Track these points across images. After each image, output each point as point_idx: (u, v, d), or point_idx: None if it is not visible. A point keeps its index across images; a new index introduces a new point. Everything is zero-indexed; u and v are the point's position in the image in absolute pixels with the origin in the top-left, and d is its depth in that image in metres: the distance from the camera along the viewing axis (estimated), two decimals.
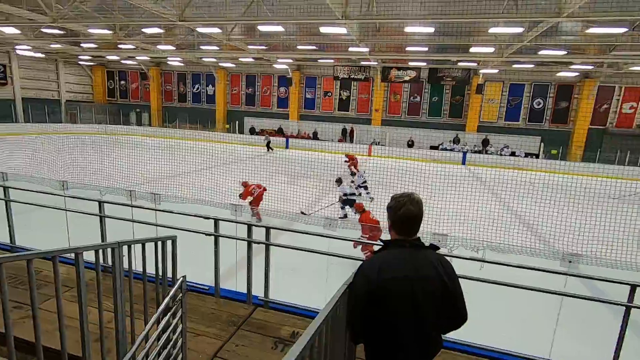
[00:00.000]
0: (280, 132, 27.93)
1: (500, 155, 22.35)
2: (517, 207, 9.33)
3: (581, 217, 6.75)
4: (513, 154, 22.61)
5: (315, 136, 26.94)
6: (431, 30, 13.74)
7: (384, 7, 12.42)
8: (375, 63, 22.32)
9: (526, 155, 22.34)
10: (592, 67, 19.83)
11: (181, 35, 19.40)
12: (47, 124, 25.68)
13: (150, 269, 2.53)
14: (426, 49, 17.86)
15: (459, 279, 1.68)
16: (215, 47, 20.68)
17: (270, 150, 23.20)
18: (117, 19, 15.06)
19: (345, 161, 15.62)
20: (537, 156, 22.50)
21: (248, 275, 3.69)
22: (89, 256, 1.98)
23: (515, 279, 3.01)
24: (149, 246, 2.51)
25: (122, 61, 29.02)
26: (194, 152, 13.59)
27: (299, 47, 19.68)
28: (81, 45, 22.01)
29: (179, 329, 2.40)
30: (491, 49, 16.64)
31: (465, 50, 17.68)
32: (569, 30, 14.61)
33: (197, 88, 30.70)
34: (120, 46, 21.42)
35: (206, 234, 3.76)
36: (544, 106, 23.72)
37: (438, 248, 1.71)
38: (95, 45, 22.14)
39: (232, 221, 3.87)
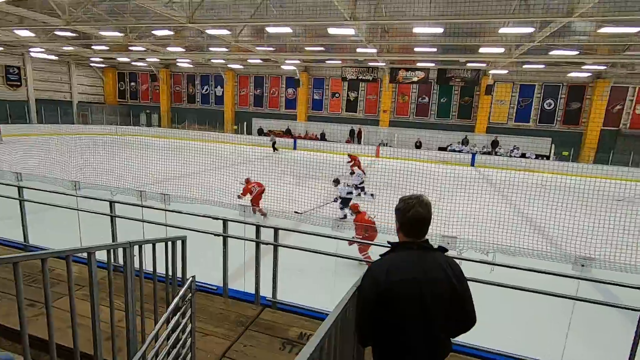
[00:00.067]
0: (288, 133, 28.01)
1: (510, 156, 22.09)
2: (528, 210, 9.22)
3: (593, 220, 6.63)
4: (523, 155, 22.32)
5: (322, 137, 26.95)
6: (440, 30, 13.66)
7: (392, 8, 12.39)
8: (384, 64, 22.25)
9: (537, 156, 22.05)
10: (605, 67, 19.49)
11: (190, 37, 19.59)
12: (59, 125, 26.16)
13: (160, 269, 2.56)
14: (435, 49, 17.75)
15: (468, 282, 1.66)
16: (224, 49, 20.85)
17: (275, 150, 23.30)
18: (128, 21, 15.29)
19: (348, 162, 15.63)
20: (547, 158, 22.19)
21: (256, 275, 3.71)
22: (101, 255, 2.01)
23: (526, 282, 2.97)
24: (159, 246, 2.54)
25: (133, 63, 29.43)
26: (203, 152, 13.70)
27: (307, 48, 19.72)
28: (93, 47, 22.39)
29: (188, 329, 2.42)
30: (501, 50, 16.47)
31: (474, 51, 17.53)
32: (580, 30, 14.38)
33: (206, 89, 30.97)
34: (131, 48, 21.74)
35: (215, 235, 3.78)
36: (555, 107, 23.38)
37: (446, 250, 1.70)
38: (107, 48, 22.49)
39: (240, 222, 3.89)
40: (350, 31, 13.71)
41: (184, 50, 21.56)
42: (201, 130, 27.61)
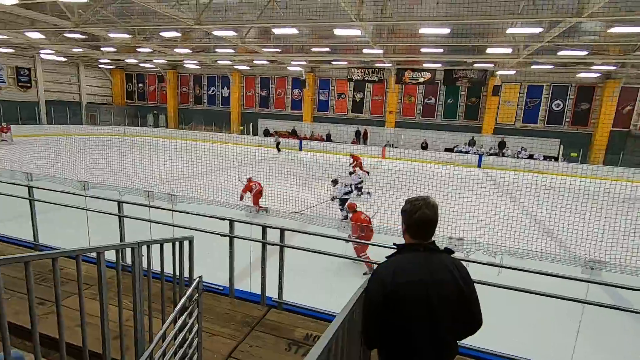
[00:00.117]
0: (293, 134, 28.07)
1: (517, 157, 21.88)
2: (536, 212, 9.12)
3: (603, 222, 6.53)
4: (531, 156, 22.10)
5: (328, 138, 26.96)
6: (447, 31, 13.59)
7: (398, 9, 12.35)
8: (390, 65, 22.20)
9: (545, 158, 21.81)
10: (615, 67, 19.22)
11: (197, 39, 19.74)
12: (68, 125, 26.52)
13: (168, 269, 2.58)
14: (441, 50, 17.67)
15: (476, 284, 1.65)
16: (230, 50, 20.96)
17: (279, 151, 23.39)
18: (136, 23, 15.45)
19: (351, 163, 15.66)
20: (556, 159, 21.94)
21: (262, 276, 3.71)
22: (109, 255, 2.03)
23: (533, 285, 2.94)
24: (167, 246, 2.56)
25: (141, 64, 29.74)
26: (210, 153, 13.78)
27: (313, 49, 19.75)
28: (101, 49, 22.68)
29: (195, 329, 2.43)
30: (508, 50, 16.33)
31: (481, 52, 17.40)
32: (590, 30, 14.20)
33: (213, 90, 31.16)
34: (138, 50, 21.96)
35: (221, 235, 3.80)
36: (563, 108, 23.12)
37: (453, 252, 1.70)
38: (115, 49, 22.77)
39: (247, 222, 3.90)
40: (356, 32, 13.71)
41: (190, 51, 21.72)
42: (208, 131, 27.82)
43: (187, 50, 21.41)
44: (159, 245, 2.43)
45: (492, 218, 7.24)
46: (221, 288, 3.98)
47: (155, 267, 2.40)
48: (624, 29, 11.91)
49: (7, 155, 14.21)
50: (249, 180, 9.89)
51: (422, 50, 17.82)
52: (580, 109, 22.82)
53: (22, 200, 4.97)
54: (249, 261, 4.20)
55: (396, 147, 24.41)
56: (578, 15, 10.15)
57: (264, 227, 3.68)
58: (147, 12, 14.91)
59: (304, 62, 24.09)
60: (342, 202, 9.59)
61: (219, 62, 25.47)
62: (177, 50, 21.20)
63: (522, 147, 22.88)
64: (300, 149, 25.74)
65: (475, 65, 20.88)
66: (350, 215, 7.14)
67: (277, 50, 20.26)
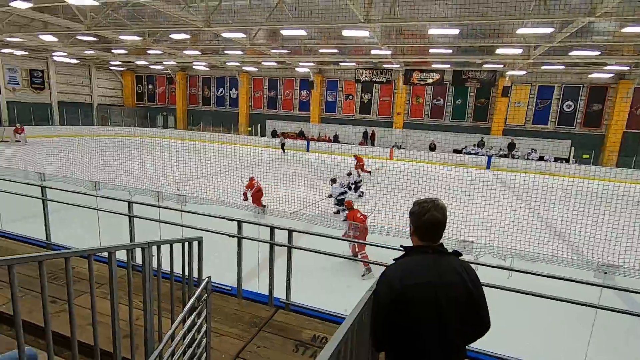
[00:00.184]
0: (301, 135, 28.12)
1: (527, 159, 21.59)
2: (547, 214, 8.98)
3: (617, 226, 6.40)
4: (541, 158, 21.79)
5: (336, 139, 26.95)
6: (456, 32, 13.49)
7: (407, 10, 12.30)
8: (398, 66, 22.12)
9: (555, 159, 21.48)
10: (629, 67, 18.87)
11: (206, 41, 19.92)
12: (80, 126, 26.98)
13: (177, 269, 2.60)
14: (450, 51, 17.55)
15: (485, 287, 1.64)
16: (239, 52, 21.10)
17: (284, 152, 23.48)
18: (147, 25, 15.66)
19: (355, 164, 15.69)
20: (567, 161, 21.59)
21: (270, 277, 3.72)
22: (120, 255, 2.05)
23: (544, 289, 2.89)
24: (176, 246, 2.58)
25: (151, 66, 30.11)
26: (218, 154, 13.89)
27: (321, 50, 19.77)
28: (113, 51, 23.02)
29: (203, 329, 2.45)
30: (518, 50, 16.14)
31: (491, 52, 17.23)
32: (603, 30, 13.97)
33: (221, 92, 31.41)
34: (149, 52, 22.25)
35: (230, 236, 3.82)
36: (575, 109, 22.77)
37: (461, 254, 1.69)
38: (126, 51, 23.09)
39: (255, 223, 3.91)
40: (364, 33, 13.69)
41: (200, 53, 21.93)
42: (216, 132, 28.05)
43: (196, 52, 21.62)
44: (168, 245, 2.46)
45: (501, 220, 7.15)
46: (229, 288, 4.00)
47: (165, 267, 2.42)
48: (638, 29, 11.69)
49: (21, 155, 14.51)
50: (251, 179, 10.10)
51: (431, 51, 17.72)
52: (592, 110, 22.44)
53: (35, 200, 5.07)
54: (257, 262, 4.22)
55: (404, 149, 24.30)
56: (590, 14, 9.99)
57: (272, 228, 3.69)
58: (157, 15, 15.11)
59: (312, 64, 24.14)
60: (339, 202, 9.81)
61: (227, 63, 25.67)
62: (186, 52, 21.43)
63: (533, 149, 22.58)
64: (308, 150, 25.77)
65: (485, 65, 20.68)
66: (346, 212, 7.26)
67: (285, 51, 20.34)
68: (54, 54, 25.21)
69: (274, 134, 28.82)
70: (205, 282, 2.42)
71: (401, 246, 1.73)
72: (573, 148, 22.19)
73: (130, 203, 4.53)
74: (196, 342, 2.33)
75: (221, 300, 3.77)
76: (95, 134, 24.83)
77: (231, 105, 31.14)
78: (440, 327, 1.52)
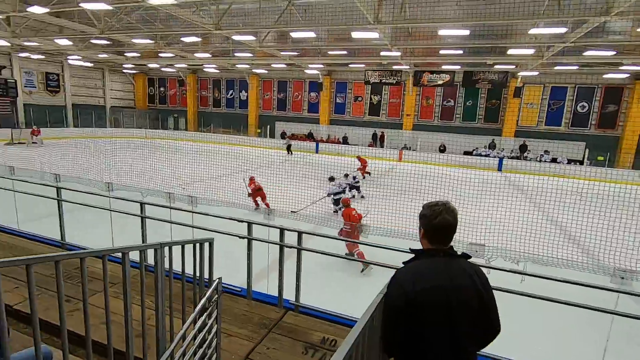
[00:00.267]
0: (310, 136, 28.17)
1: (540, 161, 21.22)
2: (561, 218, 8.80)
3: (635, 230, 6.24)
4: (554, 160, 21.39)
5: (345, 141, 26.92)
6: (466, 32, 13.37)
7: (416, 11, 12.24)
8: (407, 67, 22.01)
9: (569, 161, 21.06)
10: None
11: (217, 43, 20.13)
12: (93, 128, 27.50)
13: (188, 269, 2.62)
14: (460, 52, 17.38)
15: (498, 292, 1.62)
16: (249, 54, 21.27)
17: (290, 153, 23.54)
18: (159, 29, 15.91)
19: (359, 168, 15.72)
20: (581, 163, 21.16)
21: (279, 279, 3.73)
22: (132, 255, 2.08)
23: (556, 293, 2.84)
24: (187, 247, 2.61)
25: (162, 69, 30.55)
26: (228, 155, 14.01)
27: (330, 52, 19.80)
28: (125, 54, 23.43)
29: (213, 330, 2.46)
30: (531, 51, 15.90)
31: (502, 53, 17.03)
32: (618, 29, 13.68)
33: (231, 94, 31.68)
34: (160, 55, 22.59)
35: (240, 237, 3.84)
36: (589, 110, 22.32)
37: (470, 257, 1.68)
38: (138, 54, 23.48)
39: (265, 225, 3.93)
40: (374, 35, 13.66)
41: (210, 56, 22.17)
42: (226, 134, 28.29)
43: (206, 55, 21.86)
44: (180, 246, 2.48)
45: (514, 223, 7.04)
46: (239, 289, 4.02)
47: (176, 267, 2.45)
48: None
49: (38, 157, 14.85)
50: (251, 179, 10.33)
51: (441, 52, 17.59)
52: (607, 111, 21.97)
53: (49, 200, 5.18)
54: (267, 263, 4.23)
55: (413, 150, 24.13)
56: (605, 14, 9.80)
57: (282, 230, 3.70)
58: (169, 18, 15.34)
59: (321, 65, 24.18)
60: (336, 201, 10.22)
61: (237, 66, 25.89)
62: (197, 54, 21.69)
63: (546, 150, 22.19)
64: (317, 151, 25.79)
65: (496, 66, 20.44)
66: (342, 209, 7.46)
67: (295, 53, 20.42)
68: (68, 57, 25.79)
69: (283, 136, 28.93)
70: (216, 283, 2.44)
71: (410, 249, 1.72)
72: (587, 150, 21.74)
73: (142, 204, 4.60)
74: (207, 342, 2.34)
75: (231, 301, 3.79)
76: (109, 135, 25.28)
77: (241, 107, 31.39)
78: (450, 331, 1.51)
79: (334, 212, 10.34)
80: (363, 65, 23.36)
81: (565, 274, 4.14)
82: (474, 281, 1.56)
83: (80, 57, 25.48)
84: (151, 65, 28.73)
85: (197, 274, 2.61)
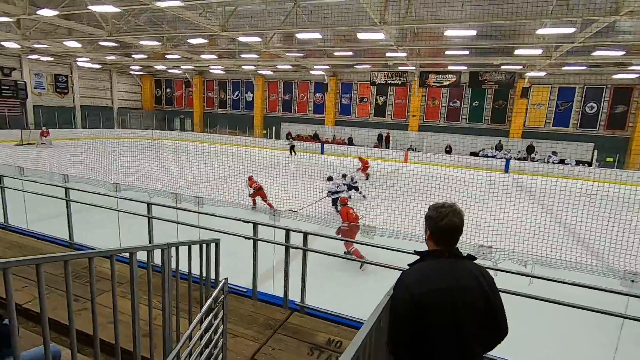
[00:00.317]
0: (315, 137, 28.18)
1: (547, 162, 20.99)
2: (569, 219, 8.69)
3: None
4: (562, 161, 21.15)
5: (350, 142, 26.88)
6: (473, 33, 13.28)
7: (423, 11, 12.19)
8: (413, 68, 21.94)
9: (577, 163, 20.81)
10: None
11: (223, 45, 20.25)
12: (101, 129, 27.79)
13: (194, 270, 2.63)
14: (467, 52, 17.28)
15: (506, 294, 1.61)
16: (254, 55, 21.37)
17: (293, 154, 23.55)
18: (166, 31, 16.05)
19: (361, 168, 15.73)
20: (589, 164, 20.89)
21: (285, 280, 3.74)
22: (139, 255, 2.10)
23: (565, 296, 2.80)
24: (194, 247, 2.62)
25: (169, 70, 30.80)
26: (234, 156, 14.06)
27: (336, 53, 19.81)
28: (133, 56, 23.66)
29: (220, 330, 2.47)
30: (538, 51, 15.76)
31: (509, 53, 16.89)
32: (627, 29, 13.49)
33: (237, 95, 31.83)
34: (167, 56, 22.78)
35: (246, 238, 3.85)
36: (597, 110, 22.04)
37: (475, 258, 1.68)
38: (145, 56, 23.70)
39: (271, 226, 3.94)
40: (379, 36, 13.64)
41: (216, 57, 22.31)
42: (232, 135, 28.42)
43: (213, 56, 22.01)
44: (186, 246, 2.50)
45: (521, 225, 6.97)
46: (244, 290, 4.03)
47: (183, 267, 2.46)
48: None
49: (47, 158, 15.04)
50: (250, 178, 10.40)
51: (447, 52, 17.50)
52: (616, 112, 21.68)
53: (57, 200, 5.24)
54: (272, 264, 4.24)
55: (419, 151, 24.02)
56: (614, 13, 9.67)
57: (288, 231, 3.71)
58: (176, 20, 15.47)
59: (327, 66, 24.20)
60: (333, 200, 10.37)
61: (243, 67, 26.01)
62: (203, 56, 21.84)
63: (553, 152, 21.95)
64: (322, 152, 25.79)
65: (503, 67, 20.28)
66: (340, 208, 7.60)
67: (300, 54, 20.46)
68: (77, 59, 26.12)
69: (288, 137, 28.99)
70: (222, 283, 2.45)
71: (415, 251, 1.72)
72: (596, 151, 21.46)
73: (149, 204, 4.63)
74: (213, 342, 2.35)
75: (236, 302, 3.80)
76: (116, 136, 25.53)
77: (246, 108, 31.52)
78: (456, 332, 1.51)
79: (337, 211, 10.37)
80: (369, 66, 23.33)
81: (574, 276, 4.09)
82: (480, 282, 1.56)
83: (88, 59, 25.79)
84: (158, 67, 28.98)
85: (204, 274, 2.62)
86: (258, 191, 10.17)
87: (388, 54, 18.23)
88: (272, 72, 28.46)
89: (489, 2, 11.49)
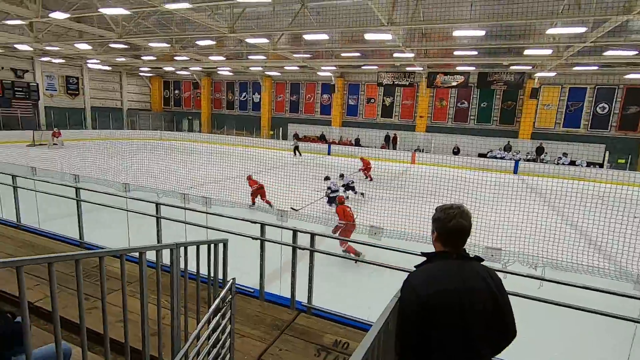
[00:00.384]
0: (322, 138, 28.19)
1: (557, 164, 20.70)
2: (580, 222, 8.55)
3: None
4: (573, 163, 20.83)
5: (357, 143, 26.84)
6: (482, 33, 13.17)
7: (431, 11, 12.12)
8: (421, 68, 21.82)
9: (588, 164, 20.48)
10: None
11: (231, 46, 20.38)
12: (111, 130, 28.18)
13: (202, 270, 2.65)
14: (475, 52, 17.13)
15: (516, 297, 1.59)
16: (262, 57, 21.47)
17: (298, 154, 23.57)
18: (174, 33, 16.21)
19: (362, 169, 15.70)
20: (601, 165, 20.55)
21: (292, 281, 3.74)
22: (148, 255, 2.12)
23: (576, 299, 2.76)
24: (202, 247, 2.64)
25: (177, 72, 31.13)
26: (241, 157, 14.14)
27: (343, 54, 19.80)
28: (142, 58, 23.95)
29: (227, 330, 2.48)
30: (548, 51, 15.55)
31: (518, 53, 16.71)
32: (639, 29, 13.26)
33: (244, 96, 32.01)
34: (176, 58, 23.00)
35: (253, 238, 3.87)
36: (609, 111, 21.68)
37: (482, 260, 1.67)
38: (155, 58, 23.97)
39: (278, 226, 3.95)
40: (387, 36, 13.61)
41: (224, 58, 22.47)
42: (239, 136, 28.58)
43: (221, 58, 22.17)
44: (194, 246, 2.51)
45: (531, 227, 6.88)
46: (251, 290, 4.04)
47: (191, 267, 2.48)
48: None
49: (58, 158, 15.29)
50: (249, 177, 10.47)
51: (455, 52, 17.37)
52: (628, 113, 21.29)
53: (68, 200, 5.32)
54: (279, 264, 4.25)
55: (427, 152, 23.88)
56: (627, 12, 9.51)
57: (295, 232, 3.71)
58: (185, 22, 15.62)
59: (334, 67, 24.21)
60: (330, 200, 10.46)
61: (251, 68, 26.15)
62: (211, 57, 22.01)
63: (564, 153, 21.63)
64: (329, 153, 25.78)
65: (512, 67, 20.06)
66: (336, 205, 7.75)
67: (308, 56, 20.50)
68: (88, 61, 26.53)
69: (295, 138, 29.03)
70: (230, 283, 2.46)
71: (422, 253, 1.71)
72: (607, 152, 21.10)
73: (158, 205, 4.68)
74: (220, 342, 2.36)
75: (244, 302, 3.82)
76: (126, 137, 25.86)
77: (254, 109, 31.67)
78: (464, 333, 1.50)
79: (335, 211, 10.54)
80: (376, 67, 23.27)
81: (585, 280, 4.02)
82: (487, 284, 1.55)
83: (99, 61, 26.17)
84: (167, 69, 29.29)
85: (212, 274, 2.63)
86: (259, 190, 10.25)
87: (395, 55, 18.16)
88: (279, 74, 28.56)
89: (498, 2, 11.39)
